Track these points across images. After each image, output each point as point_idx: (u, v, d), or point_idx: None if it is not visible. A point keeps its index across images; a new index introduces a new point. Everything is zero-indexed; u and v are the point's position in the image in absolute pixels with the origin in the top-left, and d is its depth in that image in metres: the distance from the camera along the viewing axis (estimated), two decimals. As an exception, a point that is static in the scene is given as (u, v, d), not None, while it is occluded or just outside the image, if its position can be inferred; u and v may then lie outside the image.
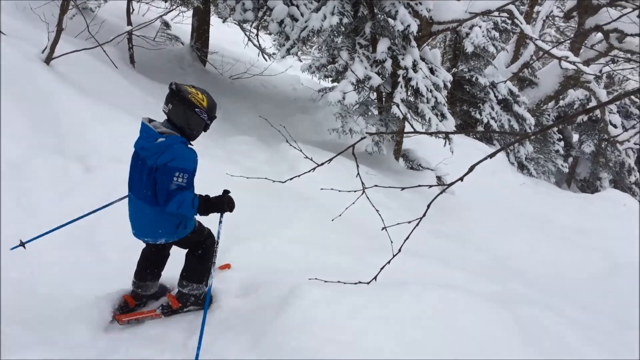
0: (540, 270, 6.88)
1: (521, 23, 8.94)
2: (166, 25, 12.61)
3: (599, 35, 13.82)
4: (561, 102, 18.01)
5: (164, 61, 10.54)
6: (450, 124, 8.56)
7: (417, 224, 2.06)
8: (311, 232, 5.34)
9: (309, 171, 2.57)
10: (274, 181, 3.07)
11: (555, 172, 17.54)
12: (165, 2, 10.34)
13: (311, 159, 2.61)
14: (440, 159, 9.24)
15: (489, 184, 11.07)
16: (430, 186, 2.26)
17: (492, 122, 13.60)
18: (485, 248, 7.44)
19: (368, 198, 2.54)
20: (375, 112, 8.95)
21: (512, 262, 6.95)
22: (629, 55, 12.80)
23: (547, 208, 10.67)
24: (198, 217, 3.55)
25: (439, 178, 9.50)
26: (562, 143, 17.13)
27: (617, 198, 13.41)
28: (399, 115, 7.79)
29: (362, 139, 2.77)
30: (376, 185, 2.45)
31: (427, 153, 9.90)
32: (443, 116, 8.60)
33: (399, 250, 2.31)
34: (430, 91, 8.09)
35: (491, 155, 2.12)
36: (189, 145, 3.23)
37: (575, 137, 19.35)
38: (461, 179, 2.19)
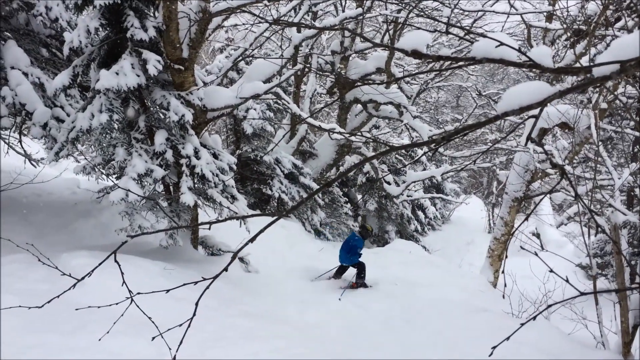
0: (338, 332, 7.14)
1: (288, 103, 9.65)
2: None
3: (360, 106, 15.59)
4: (341, 168, 19.68)
5: None
6: (241, 204, 8.68)
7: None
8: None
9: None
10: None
11: (349, 233, 18.83)
12: None
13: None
14: (240, 240, 9.24)
15: (290, 256, 11.38)
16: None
17: (283, 195, 14.18)
18: (294, 320, 7.53)
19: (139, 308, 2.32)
20: (165, 204, 8.67)
21: (317, 331, 7.10)
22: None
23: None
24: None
25: (241, 259, 9.47)
26: (349, 205, 18.55)
27: (403, 247, 14.86)
28: (189, 204, 7.65)
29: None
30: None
31: (225, 237, 9.83)
32: (234, 198, 8.69)
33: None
34: (217, 175, 8.14)
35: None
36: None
37: (360, 198, 21.16)
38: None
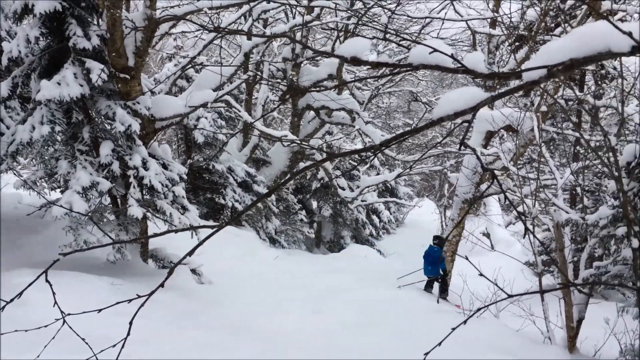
0: (310, 344, 7.07)
1: (239, 110, 9.59)
2: None
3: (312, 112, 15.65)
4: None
5: None
6: (192, 214, 8.53)
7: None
8: None
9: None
10: None
11: (305, 239, 18.84)
12: None
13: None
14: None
15: (245, 265, 11.27)
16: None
17: (236, 204, 14.05)
18: (259, 329, 7.42)
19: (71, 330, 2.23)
20: (112, 217, 8.44)
21: (282, 338, 7.02)
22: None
23: (306, 275, 11.27)
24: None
25: (193, 271, 9.30)
26: (303, 212, 18.57)
27: (358, 252, 14.97)
28: (137, 216, 7.47)
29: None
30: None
31: (177, 248, 9.63)
32: (184, 208, 8.53)
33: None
34: (167, 186, 7.98)
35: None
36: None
37: (315, 204, 21.20)
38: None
